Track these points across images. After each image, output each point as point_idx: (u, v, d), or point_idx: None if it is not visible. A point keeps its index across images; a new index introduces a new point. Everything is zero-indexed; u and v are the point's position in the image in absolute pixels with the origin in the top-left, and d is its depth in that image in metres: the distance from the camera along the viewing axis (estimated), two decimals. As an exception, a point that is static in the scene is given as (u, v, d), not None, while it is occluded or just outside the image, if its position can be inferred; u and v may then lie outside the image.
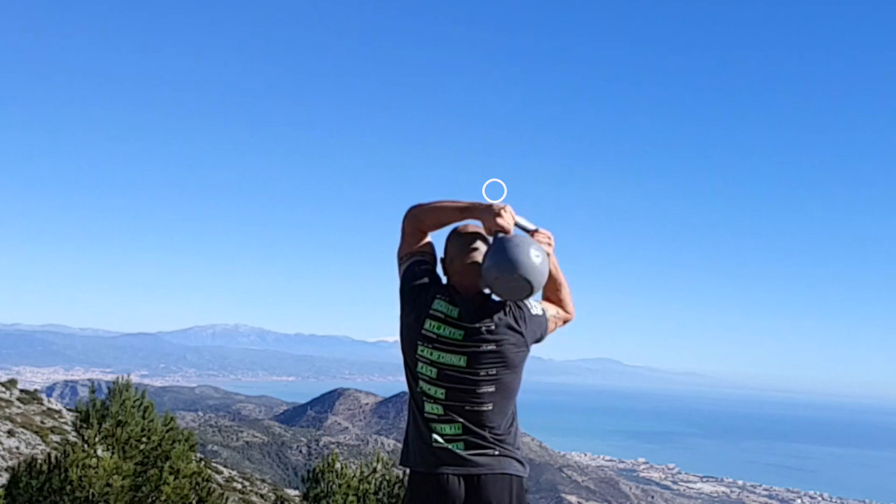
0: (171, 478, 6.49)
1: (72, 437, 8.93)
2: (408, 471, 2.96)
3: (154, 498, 6.46)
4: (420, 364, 2.77)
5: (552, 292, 3.01)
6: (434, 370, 2.74)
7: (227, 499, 7.52)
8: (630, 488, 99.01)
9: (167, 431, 6.84)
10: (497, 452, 2.74)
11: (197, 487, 6.66)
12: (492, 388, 2.73)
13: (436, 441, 2.74)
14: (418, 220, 2.87)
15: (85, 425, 6.64)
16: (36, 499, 6.19)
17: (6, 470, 9.60)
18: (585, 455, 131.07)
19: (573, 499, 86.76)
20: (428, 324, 2.75)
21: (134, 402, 6.78)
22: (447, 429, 2.73)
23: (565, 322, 3.06)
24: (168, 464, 6.59)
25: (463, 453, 2.72)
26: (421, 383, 2.77)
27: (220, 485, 14.27)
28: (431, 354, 2.75)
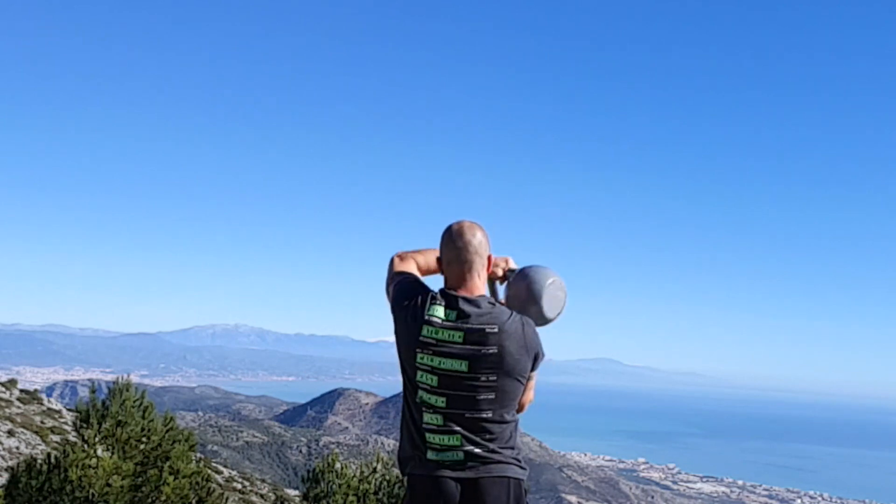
0: (171, 478, 6.50)
1: (72, 437, 8.94)
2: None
3: (154, 498, 6.46)
4: (420, 373, 2.73)
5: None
6: (434, 378, 2.70)
7: (227, 499, 7.52)
8: (630, 488, 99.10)
9: (167, 431, 6.85)
10: (496, 459, 2.72)
11: (197, 487, 6.67)
12: (491, 395, 2.70)
13: (430, 453, 2.72)
14: (411, 258, 3.02)
15: (85, 425, 6.66)
16: (36, 499, 6.20)
17: (6, 470, 9.60)
18: (585, 455, 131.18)
19: (573, 499, 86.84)
20: (426, 330, 2.72)
21: (134, 402, 6.79)
22: (445, 439, 2.71)
23: (526, 399, 2.92)
24: (168, 464, 6.60)
25: (461, 460, 2.70)
26: (421, 393, 2.73)
27: (220, 485, 14.27)
28: (432, 361, 2.70)
